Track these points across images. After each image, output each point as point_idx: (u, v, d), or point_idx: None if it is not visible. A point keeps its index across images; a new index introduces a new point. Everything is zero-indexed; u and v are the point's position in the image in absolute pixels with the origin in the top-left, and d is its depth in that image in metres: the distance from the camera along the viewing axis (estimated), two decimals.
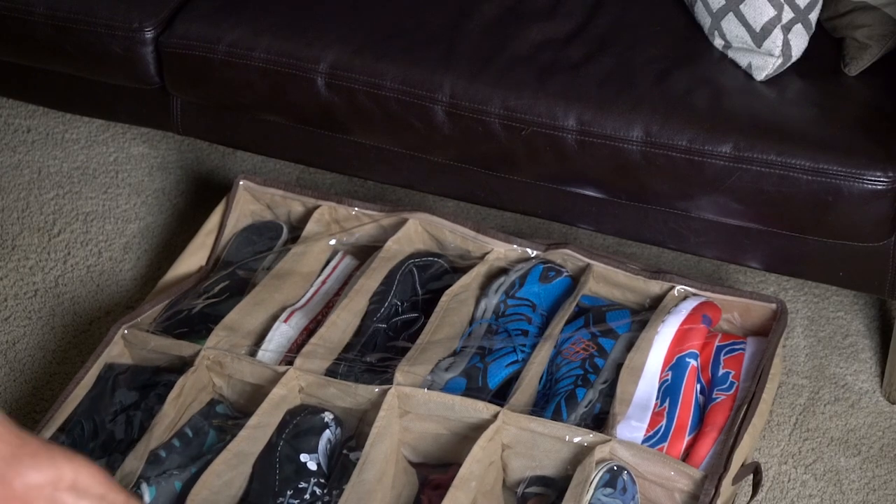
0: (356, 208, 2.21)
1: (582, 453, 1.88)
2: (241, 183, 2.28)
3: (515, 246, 2.15)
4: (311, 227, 2.22)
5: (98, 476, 1.23)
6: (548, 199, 2.18)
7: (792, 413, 2.17)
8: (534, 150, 2.07)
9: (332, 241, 2.23)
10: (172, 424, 1.95)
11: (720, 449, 1.89)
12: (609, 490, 1.82)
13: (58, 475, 1.21)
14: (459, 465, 1.86)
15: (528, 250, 2.15)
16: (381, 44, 2.15)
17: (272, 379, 1.96)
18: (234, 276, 2.17)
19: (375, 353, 2.03)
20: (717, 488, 1.83)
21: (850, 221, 1.98)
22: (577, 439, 1.89)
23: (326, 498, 1.86)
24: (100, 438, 1.95)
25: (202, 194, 2.54)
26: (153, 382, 2.01)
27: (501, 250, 2.16)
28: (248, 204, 2.29)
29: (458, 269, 2.17)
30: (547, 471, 1.92)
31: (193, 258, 2.23)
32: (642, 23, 2.15)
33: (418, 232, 2.19)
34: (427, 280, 2.13)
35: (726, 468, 1.85)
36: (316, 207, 2.23)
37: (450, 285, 2.10)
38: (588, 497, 1.82)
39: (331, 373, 2.00)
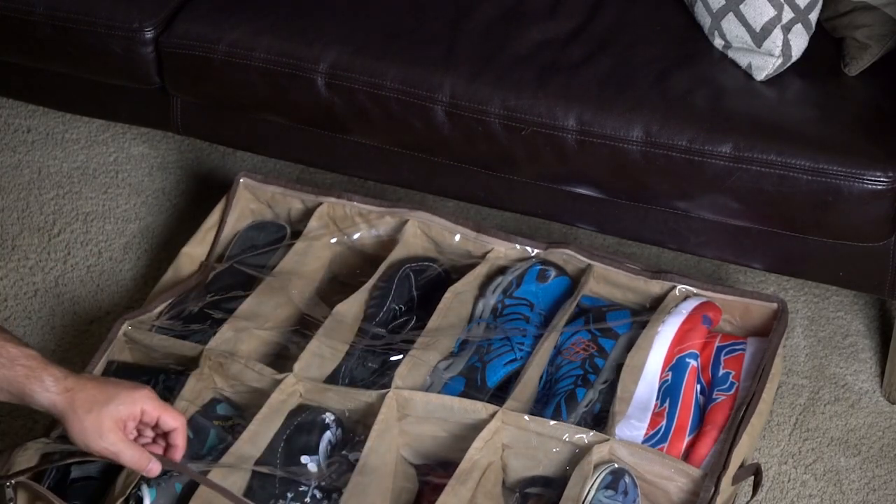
0: (355, 202, 2.21)
1: (581, 453, 1.88)
2: (241, 180, 2.28)
3: (517, 245, 2.15)
4: (312, 224, 2.22)
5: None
6: (548, 199, 2.18)
7: (792, 413, 2.17)
8: (534, 150, 2.07)
9: (334, 240, 2.23)
10: None
11: (720, 447, 1.89)
12: (610, 492, 1.82)
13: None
14: (458, 465, 1.86)
15: (529, 249, 2.15)
16: (381, 44, 2.15)
17: (271, 385, 1.96)
18: (236, 275, 2.17)
19: (375, 356, 2.03)
20: (716, 486, 1.83)
21: (850, 221, 1.98)
22: (576, 439, 1.89)
23: (326, 501, 1.86)
24: None
25: (202, 194, 2.54)
26: (154, 381, 2.01)
27: (502, 249, 2.16)
28: (249, 203, 2.29)
29: (458, 270, 2.17)
30: (547, 471, 1.92)
31: (193, 256, 2.23)
32: (642, 23, 2.15)
33: (417, 235, 2.19)
34: (423, 284, 2.13)
35: (725, 466, 1.85)
36: (316, 205, 2.23)
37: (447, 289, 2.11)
38: (588, 497, 1.82)
39: (332, 378, 2.00)
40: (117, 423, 1.69)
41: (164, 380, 2.00)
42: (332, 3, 2.22)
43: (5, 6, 2.27)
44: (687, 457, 1.92)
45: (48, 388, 1.68)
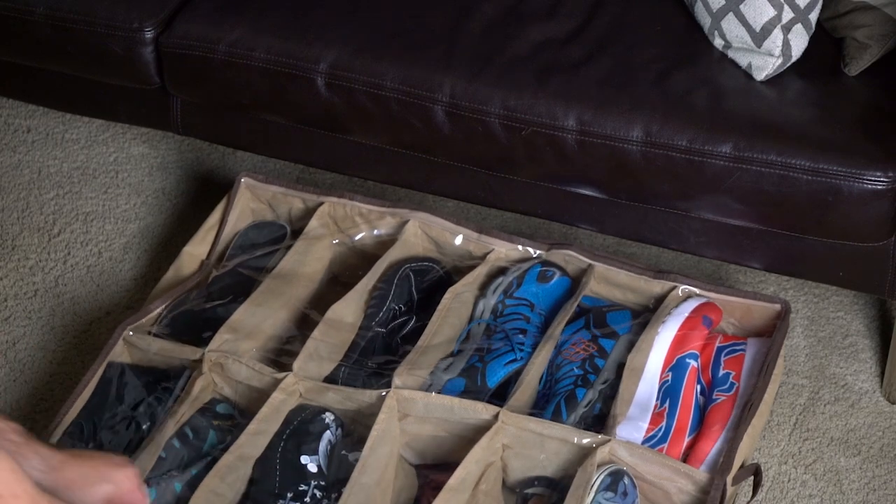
0: (356, 202, 2.21)
1: (581, 454, 1.88)
2: (242, 180, 2.28)
3: (518, 246, 2.15)
4: (313, 224, 2.22)
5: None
6: (548, 199, 2.18)
7: (792, 413, 2.17)
8: (534, 150, 2.07)
9: (335, 241, 2.23)
10: (180, 423, 1.95)
11: (727, 447, 1.89)
12: (610, 494, 1.82)
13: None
14: (459, 465, 1.86)
15: (530, 250, 2.15)
16: (381, 44, 2.15)
17: (271, 385, 1.96)
18: (236, 277, 2.17)
19: (375, 356, 2.03)
20: (725, 485, 1.83)
21: (850, 221, 1.98)
22: (576, 440, 1.89)
23: (326, 500, 1.86)
24: (98, 440, 1.95)
25: (202, 194, 2.54)
26: (155, 383, 2.01)
27: (503, 250, 2.16)
28: (250, 203, 2.29)
29: (458, 271, 2.17)
30: (547, 471, 1.92)
31: (194, 255, 2.23)
32: (642, 23, 2.15)
33: (418, 235, 2.19)
34: (423, 285, 2.14)
35: (731, 465, 1.85)
36: (318, 205, 2.23)
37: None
38: (589, 500, 1.82)
39: (331, 378, 2.00)
40: None
41: (157, 397, 2.00)
42: (332, 3, 2.22)
43: (5, 6, 2.27)
44: (687, 457, 1.92)
45: None
